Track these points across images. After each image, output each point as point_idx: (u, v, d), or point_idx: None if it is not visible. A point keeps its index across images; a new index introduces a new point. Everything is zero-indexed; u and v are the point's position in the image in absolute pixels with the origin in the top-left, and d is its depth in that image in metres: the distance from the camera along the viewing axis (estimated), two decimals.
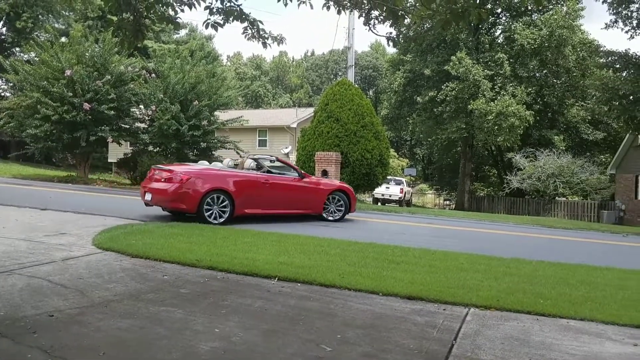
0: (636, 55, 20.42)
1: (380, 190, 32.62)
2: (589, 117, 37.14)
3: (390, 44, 5.90)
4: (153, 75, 25.45)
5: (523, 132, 33.24)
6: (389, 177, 30.90)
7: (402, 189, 34.71)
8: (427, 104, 35.47)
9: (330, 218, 12.78)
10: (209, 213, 10.87)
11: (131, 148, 27.56)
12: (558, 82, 36.59)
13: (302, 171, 13.04)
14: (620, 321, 5.34)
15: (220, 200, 11.02)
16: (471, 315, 5.32)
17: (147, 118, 24.95)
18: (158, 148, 25.02)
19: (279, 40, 6.80)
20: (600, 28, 53.39)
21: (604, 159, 38.81)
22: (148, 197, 11.13)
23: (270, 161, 12.85)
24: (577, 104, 37.37)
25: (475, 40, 35.41)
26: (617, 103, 20.33)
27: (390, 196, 34.06)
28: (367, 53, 75.91)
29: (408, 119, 41.05)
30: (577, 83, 35.95)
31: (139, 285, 5.76)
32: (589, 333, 4.99)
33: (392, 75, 41.29)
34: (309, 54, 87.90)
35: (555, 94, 36.66)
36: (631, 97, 19.16)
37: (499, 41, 37.28)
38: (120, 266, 6.60)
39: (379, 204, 32.52)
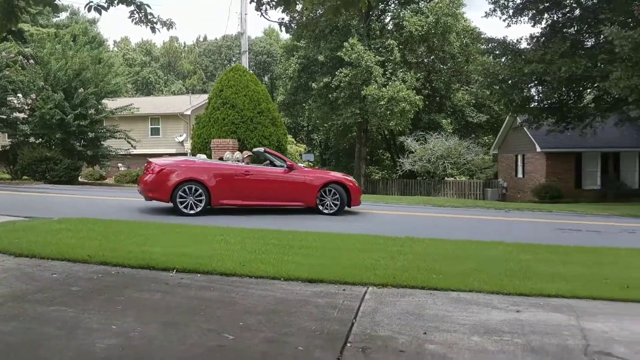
0: (513, 42, 21.86)
1: None
2: (473, 101, 39.37)
3: (283, 29, 5.92)
4: (31, 61, 23.74)
5: (413, 116, 34.53)
6: None
7: None
8: (322, 90, 35.90)
9: (326, 211, 12.26)
10: (182, 203, 11.29)
11: (9, 140, 25.63)
12: (444, 67, 38.35)
13: (294, 163, 12.80)
14: (504, 290, 5.74)
15: (195, 191, 11.36)
16: (370, 294, 5.50)
17: (26, 107, 23.27)
18: (40, 139, 23.45)
19: (169, 25, 6.56)
20: (481, 16, 56.51)
21: (487, 140, 41.36)
22: (139, 187, 11.97)
23: (256, 154, 13.09)
24: (462, 88, 39.42)
25: (367, 26, 36.23)
26: (497, 87, 21.70)
27: None
28: (261, 39, 75.36)
29: (304, 105, 41.35)
30: (461, 68, 37.88)
31: (24, 286, 5.39)
32: (478, 303, 5.33)
33: (286, 61, 41.32)
34: (201, 39, 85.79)
35: (442, 79, 38.41)
36: (509, 82, 20.53)
37: (389, 28, 38.37)
38: (2, 267, 6.15)
39: None
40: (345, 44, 33.36)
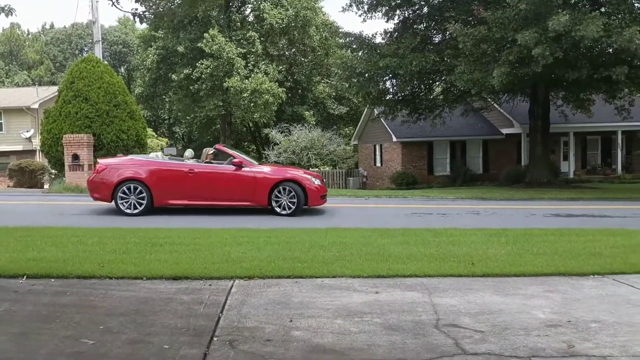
0: (369, 37, 22.81)
1: None
2: (334, 93, 40.60)
3: (137, 20, 5.68)
4: None
5: (277, 108, 34.88)
6: None
7: None
8: (183, 81, 34.98)
9: (282, 212, 11.33)
10: (124, 203, 11.04)
11: None
12: (306, 60, 39.11)
13: (247, 160, 12.00)
14: (364, 274, 6.05)
15: (136, 191, 11.04)
16: (236, 287, 5.51)
17: None
18: None
19: (7, 11, 6.04)
20: (338, 11, 58.31)
21: (348, 131, 42.92)
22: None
23: (216, 153, 12.23)
24: (323, 81, 40.47)
25: (227, 18, 35.84)
26: (355, 80, 22.56)
27: None
28: (115, 28, 71.46)
29: (164, 97, 40.02)
30: (322, 61, 38.87)
31: None
32: (340, 288, 5.56)
33: (144, 51, 39.63)
34: (48, 26, 79.51)
35: (303, 71, 39.14)
36: (366, 75, 21.44)
37: (249, 20, 38.29)
38: None
39: None
40: (206, 35, 32.77)
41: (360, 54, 22.76)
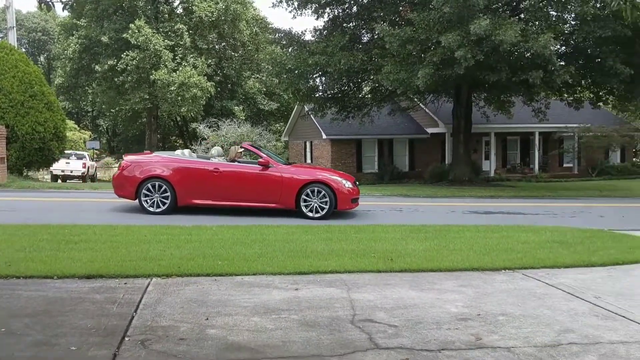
0: (298, 33, 22.84)
1: (60, 166, 29.96)
2: (264, 89, 40.40)
3: (44, 7, 5.37)
4: None
5: (206, 102, 34.34)
6: (69, 152, 28.68)
7: (84, 163, 32.53)
8: (107, 73, 33.76)
9: (313, 215, 10.77)
10: (148, 201, 10.68)
11: None
12: (236, 55, 38.69)
13: (274, 159, 11.43)
14: (285, 270, 6.05)
15: (160, 189, 10.70)
16: (153, 286, 5.38)
17: None
18: None
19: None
20: (269, 6, 57.88)
21: (279, 127, 42.85)
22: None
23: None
24: (253, 76, 40.17)
25: (154, 9, 34.89)
26: (285, 76, 22.51)
27: (71, 172, 31.60)
28: (34, 14, 67.96)
29: (87, 88, 38.49)
30: (252, 57, 38.59)
31: None
32: (260, 285, 5.54)
33: (65, 40, 37.93)
34: None
35: (233, 66, 38.71)
36: (296, 72, 21.44)
37: (178, 12, 37.43)
38: None
39: (59, 180, 29.99)
40: (132, 25, 31.76)
41: (290, 50, 22.74)
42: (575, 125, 29.95)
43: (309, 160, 33.14)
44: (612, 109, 34.64)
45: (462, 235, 8.68)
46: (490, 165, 30.59)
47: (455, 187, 21.60)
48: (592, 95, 23.57)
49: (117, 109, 38.16)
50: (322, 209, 10.83)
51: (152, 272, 5.77)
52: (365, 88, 26.60)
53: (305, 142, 33.70)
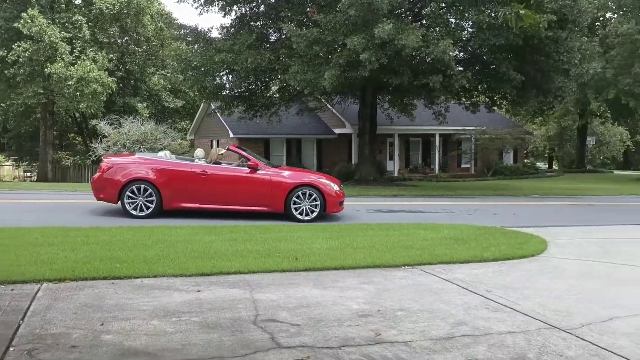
0: (205, 30, 22.42)
1: None
2: (169, 86, 39.29)
3: None
4: None
5: (107, 98, 32.79)
6: None
7: None
8: None
9: (301, 217, 10.69)
10: (131, 205, 10.30)
11: None
12: (139, 50, 37.31)
13: (260, 162, 11.20)
14: (187, 272, 5.92)
15: (145, 192, 10.31)
16: (43, 291, 5.07)
17: None
18: None
19: None
20: (174, 1, 56.48)
21: (184, 126, 41.85)
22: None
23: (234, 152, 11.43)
24: (157, 72, 38.97)
25: None
26: (190, 73, 22.03)
27: None
28: None
29: None
30: (156, 52, 37.40)
31: None
32: (160, 288, 5.38)
33: None
34: None
35: (137, 61, 37.31)
36: (202, 69, 21.03)
37: (76, 2, 35.51)
38: None
39: None
40: (24, 15, 29.73)
41: (196, 47, 22.27)
42: (472, 127, 31.60)
43: None
44: (506, 113, 36.93)
45: (366, 233, 8.89)
46: (394, 165, 31.59)
47: (361, 186, 22.08)
48: (487, 100, 24.94)
49: (7, 103, 35.58)
50: (312, 211, 10.84)
51: (42, 277, 5.44)
52: (273, 87, 26.58)
53: (212, 141, 33.16)
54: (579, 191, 23.14)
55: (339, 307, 4.95)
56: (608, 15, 34.86)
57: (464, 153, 34.66)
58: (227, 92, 24.24)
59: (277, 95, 25.91)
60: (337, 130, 31.06)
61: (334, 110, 30.05)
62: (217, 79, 23.10)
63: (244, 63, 19.61)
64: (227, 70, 22.04)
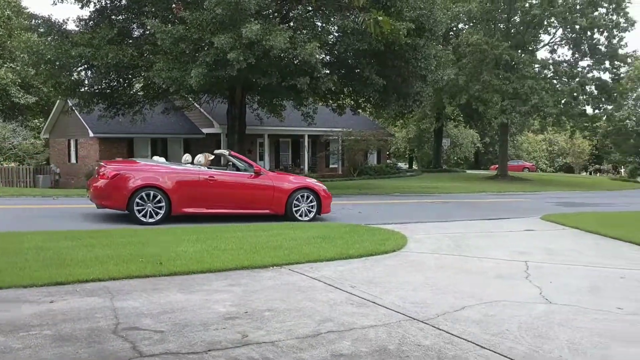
0: (59, 22, 20.88)
1: None
2: (19, 80, 36.15)
3: None
4: None
5: None
6: None
7: None
8: None
9: (301, 218, 11.44)
10: (140, 211, 10.23)
11: None
12: None
13: (261, 167, 11.89)
14: (39, 282, 5.47)
15: (154, 198, 10.31)
16: None
17: None
18: None
19: None
20: None
21: (38, 124, 38.72)
22: (89, 193, 10.70)
23: (219, 156, 11.98)
24: (5, 65, 35.70)
25: None
26: (44, 67, 20.42)
27: None
28: None
29: None
30: (4, 43, 34.26)
31: None
32: (7, 300, 4.93)
33: None
34: None
35: None
36: (57, 63, 19.58)
37: None
38: None
39: None
40: None
41: (49, 39, 20.64)
42: (339, 129, 32.60)
43: (74, 160, 30.61)
44: (370, 116, 38.52)
45: (234, 234, 8.81)
46: (264, 166, 31.64)
47: None
48: (353, 103, 25.81)
49: None
50: (310, 212, 11.65)
51: None
52: (136, 85, 25.44)
53: (69, 140, 31.07)
54: (435, 189, 24.76)
55: (206, 311, 4.84)
56: (460, 25, 37.59)
57: (332, 154, 35.67)
58: (86, 88, 22.77)
59: (141, 93, 24.85)
60: (205, 130, 30.51)
61: (201, 110, 29.46)
62: (75, 74, 21.65)
63: (104, 58, 18.54)
64: (85, 66, 20.71)
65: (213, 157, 11.94)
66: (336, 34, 21.00)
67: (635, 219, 13.30)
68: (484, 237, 9.93)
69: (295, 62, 18.24)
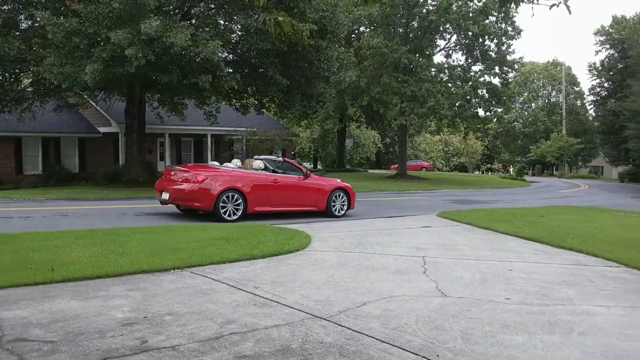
0: None
1: None
2: None
3: None
4: None
5: None
6: None
7: None
8: None
9: (337, 214, 13.33)
10: (224, 211, 11.62)
11: None
12: None
13: (307, 171, 13.67)
14: None
15: (234, 199, 11.75)
16: None
17: None
18: None
19: None
20: None
21: None
22: (165, 196, 12.03)
23: (277, 161, 13.53)
24: None
25: None
26: None
27: None
28: None
29: None
30: None
31: None
32: None
33: None
34: None
35: None
36: None
37: None
38: None
39: None
40: None
41: None
42: (243, 129, 32.35)
43: None
44: (275, 116, 38.57)
45: (133, 237, 8.49)
46: (165, 166, 30.79)
47: (130, 188, 21.03)
48: (257, 102, 25.72)
49: None
50: (342, 209, 13.57)
51: None
52: (25, 80, 23.86)
53: None
54: None
55: (102, 318, 4.63)
56: (362, 29, 38.53)
57: (236, 154, 35.30)
58: None
59: (31, 89, 23.35)
60: (102, 129, 29.16)
61: (98, 108, 28.14)
62: None
63: None
64: None
65: (260, 162, 13.27)
66: (239, 33, 20.86)
67: (521, 214, 14.25)
68: (385, 235, 10.24)
69: (197, 60, 17.88)
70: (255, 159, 13.24)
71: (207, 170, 12.38)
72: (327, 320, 4.81)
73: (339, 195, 13.62)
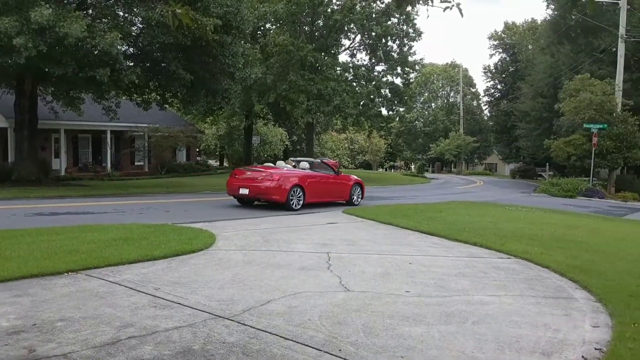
0: None
1: None
2: None
3: None
4: None
5: None
6: None
7: None
8: None
9: (355, 203, 16.57)
10: (292, 202, 14.51)
11: None
12: None
13: (337, 169, 17.07)
14: None
15: (297, 193, 14.75)
16: None
17: None
18: None
19: None
20: None
21: None
22: (245, 191, 14.72)
23: (311, 163, 16.61)
24: None
25: None
26: None
27: None
28: None
29: None
30: None
31: None
32: None
33: None
34: None
35: None
36: None
37: None
38: None
39: None
40: None
41: None
42: (145, 125, 31.26)
43: None
44: (178, 111, 37.53)
45: (22, 240, 7.95)
46: (60, 164, 29.15)
47: (20, 188, 19.64)
48: (159, 97, 24.87)
49: None
50: (358, 199, 16.86)
51: None
52: None
53: None
54: None
55: None
56: (268, 25, 38.36)
57: (138, 151, 34.07)
58: None
59: None
60: None
61: None
62: None
63: None
64: None
65: (293, 162, 16.63)
66: (140, 26, 20.07)
67: (421, 210, 14.83)
68: (291, 231, 10.27)
69: (95, 52, 16.99)
70: (302, 161, 16.73)
71: (278, 171, 15.06)
72: (230, 319, 4.74)
73: (356, 188, 16.89)
